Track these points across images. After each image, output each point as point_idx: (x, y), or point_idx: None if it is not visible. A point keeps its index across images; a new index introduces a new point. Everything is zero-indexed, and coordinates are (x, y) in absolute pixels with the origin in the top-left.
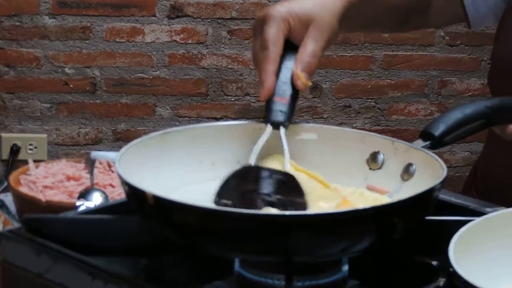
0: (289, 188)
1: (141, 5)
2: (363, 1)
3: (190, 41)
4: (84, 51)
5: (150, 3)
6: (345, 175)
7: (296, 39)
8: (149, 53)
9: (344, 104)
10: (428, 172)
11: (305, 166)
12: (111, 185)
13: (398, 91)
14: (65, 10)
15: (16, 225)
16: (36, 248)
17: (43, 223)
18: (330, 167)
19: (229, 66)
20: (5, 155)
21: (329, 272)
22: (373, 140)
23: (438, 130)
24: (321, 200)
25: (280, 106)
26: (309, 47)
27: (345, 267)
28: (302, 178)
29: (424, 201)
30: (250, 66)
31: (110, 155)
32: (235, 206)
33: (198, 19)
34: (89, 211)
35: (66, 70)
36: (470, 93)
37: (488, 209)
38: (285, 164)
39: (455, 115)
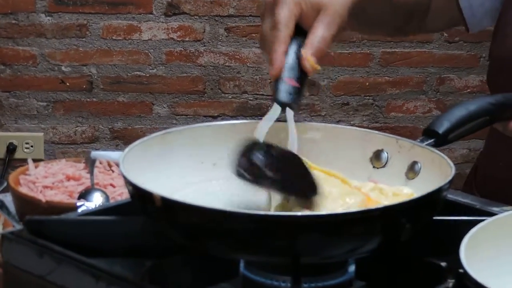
0: (295, 167)
1: (137, 3)
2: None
3: (187, 39)
4: (80, 49)
5: (147, 0)
6: (348, 173)
7: (306, 25)
8: (146, 51)
9: (342, 102)
10: (435, 170)
11: None
12: (111, 185)
13: (397, 88)
14: (62, 8)
15: (16, 225)
16: (39, 250)
17: (46, 224)
18: (333, 166)
19: (227, 64)
20: (1, 154)
21: (335, 274)
22: (377, 138)
23: (442, 127)
24: (347, 196)
25: (289, 88)
26: (320, 32)
27: (352, 269)
28: (320, 177)
29: (433, 201)
30: (248, 63)
31: (111, 154)
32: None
33: (195, 17)
34: (91, 212)
35: (63, 68)
36: (468, 90)
37: (494, 209)
38: (292, 145)
39: (459, 112)
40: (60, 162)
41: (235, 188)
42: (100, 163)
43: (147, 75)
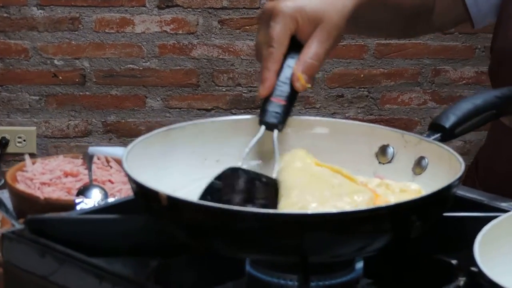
0: (272, 193)
1: None
2: (371, 3)
3: (180, 31)
4: (73, 42)
5: None
6: (353, 169)
7: (302, 38)
8: (139, 44)
9: (337, 94)
10: (443, 166)
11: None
12: (110, 181)
13: (391, 80)
14: (54, 1)
15: (14, 223)
16: (41, 249)
17: (47, 223)
18: (339, 161)
19: (220, 57)
20: None
21: (342, 272)
22: (382, 133)
23: (449, 121)
24: (355, 194)
25: (276, 107)
26: (313, 49)
27: (360, 267)
28: (326, 174)
29: (444, 197)
30: (242, 56)
31: (108, 150)
32: None
33: (189, 9)
34: (93, 211)
35: (55, 61)
36: (464, 82)
37: (503, 204)
38: (275, 169)
39: (465, 106)
40: (58, 158)
41: None
42: (98, 158)
43: (140, 68)
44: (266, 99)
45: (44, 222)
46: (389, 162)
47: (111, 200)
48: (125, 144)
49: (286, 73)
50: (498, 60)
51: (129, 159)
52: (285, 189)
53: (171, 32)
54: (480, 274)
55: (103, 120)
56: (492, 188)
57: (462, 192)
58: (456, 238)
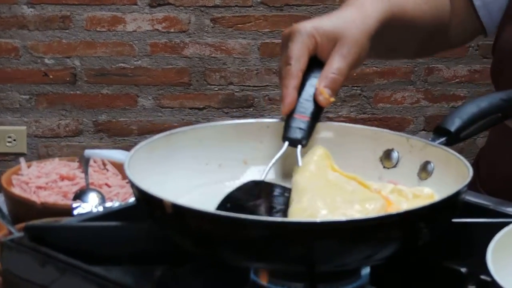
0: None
1: None
2: (391, 23)
3: (172, 30)
4: (64, 41)
5: None
6: (359, 174)
7: (323, 56)
8: (131, 43)
9: None
10: (450, 171)
11: None
12: (106, 184)
13: (384, 78)
14: None
15: (10, 228)
16: (41, 258)
17: (47, 231)
18: (344, 165)
19: (212, 55)
20: None
21: (348, 279)
22: (386, 137)
23: (454, 125)
24: (366, 202)
25: (299, 123)
26: (335, 64)
27: (366, 274)
28: (340, 179)
29: (453, 204)
30: (234, 55)
31: (105, 153)
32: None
33: (181, 7)
34: (94, 217)
35: (46, 60)
36: (457, 80)
37: (509, 209)
38: None
39: (470, 109)
40: (53, 161)
41: None
42: (95, 161)
43: (132, 67)
44: (289, 116)
45: (44, 229)
46: (394, 166)
47: (108, 204)
48: (116, 144)
49: (309, 91)
50: (501, 62)
51: (132, 165)
52: (296, 193)
53: (163, 30)
54: (493, 283)
55: (94, 120)
56: (495, 191)
57: (466, 196)
58: (464, 245)
